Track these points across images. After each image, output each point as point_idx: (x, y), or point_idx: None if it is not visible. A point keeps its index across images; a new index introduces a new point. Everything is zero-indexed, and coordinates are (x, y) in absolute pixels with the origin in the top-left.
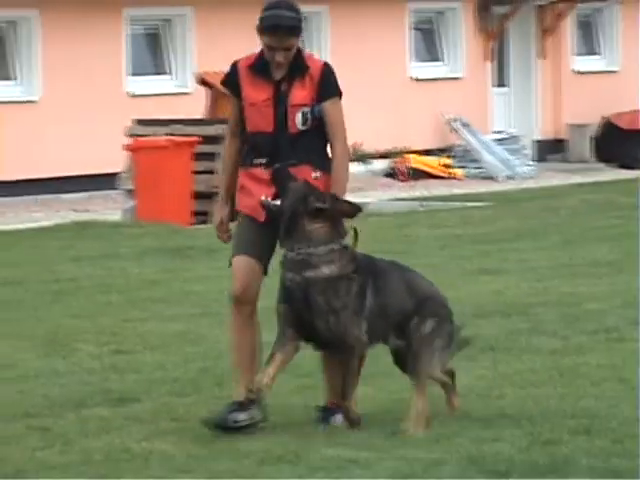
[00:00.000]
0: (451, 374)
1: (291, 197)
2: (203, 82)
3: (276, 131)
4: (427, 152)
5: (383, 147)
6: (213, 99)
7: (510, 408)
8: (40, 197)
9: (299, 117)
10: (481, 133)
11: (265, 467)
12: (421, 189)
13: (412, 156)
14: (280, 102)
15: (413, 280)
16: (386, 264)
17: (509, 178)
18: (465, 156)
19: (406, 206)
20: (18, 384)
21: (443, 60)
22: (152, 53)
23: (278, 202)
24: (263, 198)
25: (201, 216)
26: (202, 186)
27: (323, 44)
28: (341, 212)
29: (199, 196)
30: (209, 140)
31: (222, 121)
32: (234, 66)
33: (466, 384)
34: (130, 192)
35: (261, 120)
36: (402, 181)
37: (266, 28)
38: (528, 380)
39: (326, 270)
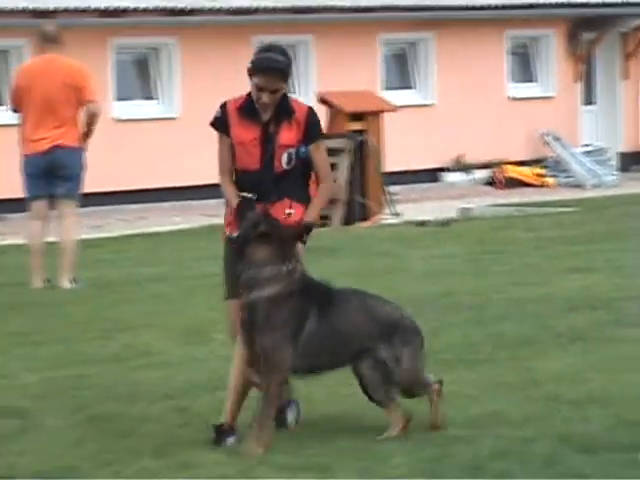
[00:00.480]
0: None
1: (245, 224)
2: (323, 101)
3: (262, 169)
4: (522, 163)
5: (484, 158)
6: (332, 116)
7: (597, 392)
8: (175, 203)
9: (285, 157)
10: (571, 146)
11: (379, 443)
12: (517, 196)
13: (508, 166)
14: (268, 142)
15: (374, 306)
16: (341, 290)
17: (595, 186)
18: (556, 166)
19: (504, 211)
20: (161, 369)
21: (537, 81)
22: None
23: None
24: (227, 233)
25: (322, 219)
26: None
27: (430, 68)
28: (289, 236)
29: None
30: (329, 152)
31: (340, 135)
32: (223, 107)
33: (558, 370)
34: None
35: (248, 158)
36: (499, 189)
37: (258, 69)
38: (613, 367)
39: (268, 290)
